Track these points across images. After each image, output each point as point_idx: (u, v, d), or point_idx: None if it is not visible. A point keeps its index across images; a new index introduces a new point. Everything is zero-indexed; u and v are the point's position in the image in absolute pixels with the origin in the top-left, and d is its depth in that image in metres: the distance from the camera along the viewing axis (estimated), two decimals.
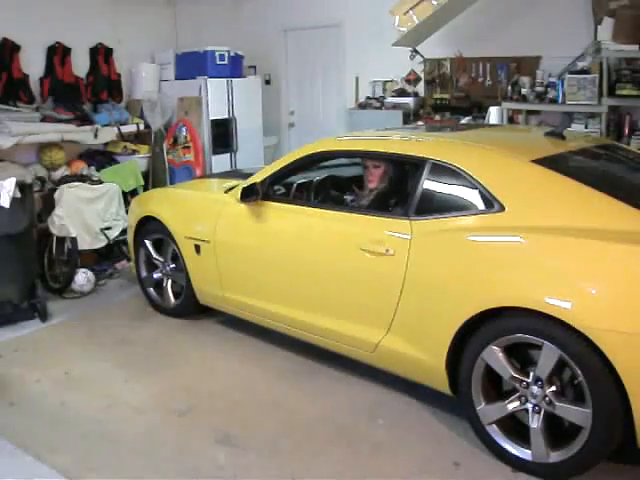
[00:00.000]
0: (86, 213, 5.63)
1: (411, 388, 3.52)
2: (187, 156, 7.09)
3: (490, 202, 3.02)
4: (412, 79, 7.19)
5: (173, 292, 4.80)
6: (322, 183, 4.46)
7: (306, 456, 3.08)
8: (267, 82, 8.41)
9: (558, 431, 2.81)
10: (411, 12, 6.18)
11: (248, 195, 3.98)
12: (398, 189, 3.76)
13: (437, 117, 6.80)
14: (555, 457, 2.76)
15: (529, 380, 2.82)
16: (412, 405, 3.49)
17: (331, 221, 3.66)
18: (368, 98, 7.45)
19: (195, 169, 7.05)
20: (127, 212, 5.61)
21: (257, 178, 4.06)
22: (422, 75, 7.15)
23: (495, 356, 2.88)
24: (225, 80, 7.31)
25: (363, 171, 4.03)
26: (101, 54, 6.89)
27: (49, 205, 5.53)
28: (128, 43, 7.13)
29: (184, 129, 7.13)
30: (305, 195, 4.39)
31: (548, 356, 2.71)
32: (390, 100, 7.21)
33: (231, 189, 4.29)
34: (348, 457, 3.06)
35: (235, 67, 7.51)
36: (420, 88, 7.21)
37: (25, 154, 6.08)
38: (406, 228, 3.22)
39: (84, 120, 6.36)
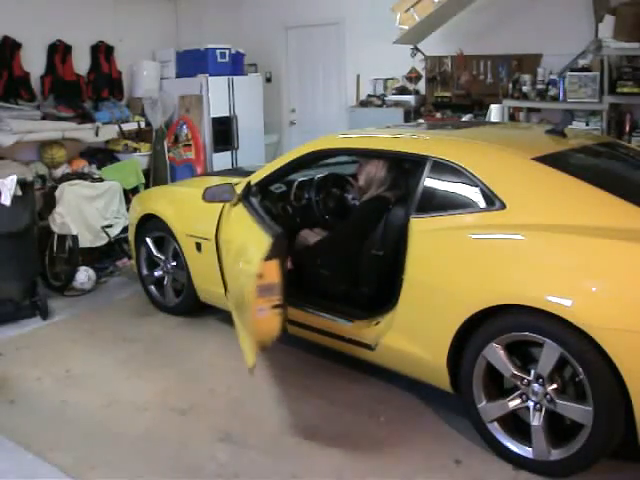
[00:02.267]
0: (87, 211, 5.62)
1: (412, 386, 3.53)
2: (188, 154, 7.10)
3: (491, 200, 3.02)
4: (413, 77, 7.19)
5: (174, 290, 4.80)
6: (323, 181, 4.46)
7: (307, 454, 3.08)
8: (268, 80, 8.41)
9: (559, 429, 2.81)
10: (412, 10, 6.18)
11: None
12: (399, 187, 3.76)
13: (438, 115, 6.81)
14: (556, 455, 2.76)
15: (530, 378, 2.82)
16: (413, 403, 3.49)
17: None
18: (369, 96, 7.46)
19: (196, 167, 7.05)
20: (128, 210, 5.61)
21: (254, 178, 4.07)
22: (423, 73, 7.15)
23: (496, 354, 2.88)
24: (226, 78, 7.31)
25: (359, 169, 4.02)
26: (102, 52, 6.88)
27: (50, 203, 5.53)
28: (129, 41, 7.13)
29: (185, 127, 7.13)
30: (306, 193, 4.39)
31: (549, 354, 2.71)
32: (391, 98, 7.22)
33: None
34: (349, 455, 3.06)
35: (236, 65, 7.51)
36: (421, 86, 7.21)
37: (26, 152, 6.09)
38: None
39: (85, 118, 6.36)
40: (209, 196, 4.06)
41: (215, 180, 5.15)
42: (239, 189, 4.08)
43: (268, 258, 2.89)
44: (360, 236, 3.67)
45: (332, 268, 3.87)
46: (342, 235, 3.84)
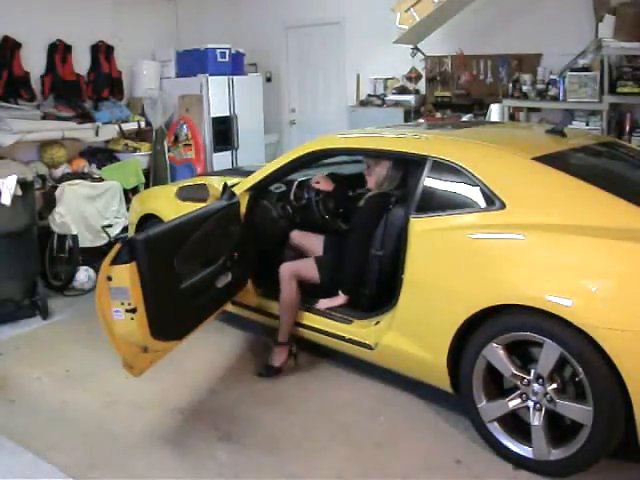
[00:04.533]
0: (87, 211, 5.63)
1: (412, 386, 3.52)
2: (188, 154, 7.10)
3: (491, 199, 3.01)
4: (413, 77, 7.19)
5: None
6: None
7: (307, 454, 3.08)
8: (268, 80, 8.41)
9: (559, 429, 2.81)
10: (412, 10, 6.18)
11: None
12: (399, 187, 3.75)
13: (438, 115, 6.80)
14: (556, 455, 2.76)
15: (530, 378, 2.82)
16: (413, 402, 3.49)
17: None
18: (369, 96, 7.46)
19: (196, 167, 7.05)
20: (128, 210, 5.61)
21: (254, 178, 4.08)
22: (423, 73, 7.15)
23: (496, 354, 2.88)
24: (226, 78, 7.31)
25: (365, 168, 4.01)
26: (102, 52, 6.88)
27: (50, 203, 5.53)
28: (129, 41, 7.12)
29: (185, 127, 7.13)
30: (306, 193, 4.38)
31: (549, 354, 2.71)
32: (391, 98, 7.22)
33: (232, 187, 4.28)
34: (349, 455, 3.06)
35: (236, 65, 7.51)
36: (421, 86, 7.21)
37: (26, 152, 6.09)
38: None
39: (85, 118, 6.36)
40: (183, 195, 4.10)
41: (215, 180, 5.16)
42: (239, 189, 4.10)
43: (114, 262, 2.94)
44: (367, 231, 3.65)
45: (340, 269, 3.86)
46: (353, 237, 3.81)
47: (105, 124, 6.52)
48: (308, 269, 3.87)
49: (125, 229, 5.66)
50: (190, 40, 7.56)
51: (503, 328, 2.85)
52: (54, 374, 3.95)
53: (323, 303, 3.79)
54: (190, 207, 4.53)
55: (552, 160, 3.12)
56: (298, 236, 4.22)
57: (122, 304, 2.98)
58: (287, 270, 3.85)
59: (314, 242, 4.10)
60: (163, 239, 3.23)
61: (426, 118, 6.72)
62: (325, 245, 4.03)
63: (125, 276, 2.93)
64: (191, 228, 3.45)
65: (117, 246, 2.99)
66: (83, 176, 5.89)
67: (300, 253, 4.18)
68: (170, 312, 3.22)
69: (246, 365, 4.00)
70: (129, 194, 6.16)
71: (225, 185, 4.09)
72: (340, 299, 3.74)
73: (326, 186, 4.17)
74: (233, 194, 4.02)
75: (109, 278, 2.96)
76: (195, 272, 3.46)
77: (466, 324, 2.94)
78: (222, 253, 3.74)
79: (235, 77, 7.41)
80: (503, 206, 2.97)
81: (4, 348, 4.34)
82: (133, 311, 2.97)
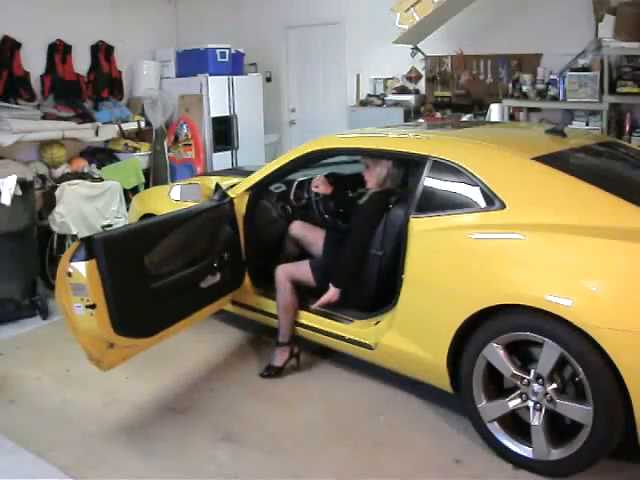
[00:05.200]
0: (87, 211, 5.62)
1: (412, 386, 3.52)
2: (188, 154, 7.10)
3: (491, 199, 3.01)
4: (413, 77, 7.20)
5: None
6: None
7: (307, 454, 3.08)
8: (268, 80, 8.40)
9: (559, 429, 2.81)
10: (412, 10, 6.18)
11: None
12: (399, 187, 3.75)
13: (438, 114, 6.81)
14: (556, 454, 2.76)
15: (530, 378, 2.82)
16: (413, 402, 3.49)
17: None
18: (369, 96, 7.46)
19: (196, 167, 7.05)
20: (128, 210, 5.61)
21: (254, 178, 4.07)
22: (423, 73, 7.16)
23: (496, 354, 2.88)
24: (226, 78, 7.31)
25: (364, 169, 4.01)
26: (102, 51, 6.88)
27: (50, 203, 5.53)
28: (129, 40, 7.12)
29: (185, 127, 7.14)
30: (306, 193, 4.38)
31: (549, 354, 2.71)
32: (391, 98, 7.22)
33: (231, 187, 4.28)
34: (349, 454, 3.06)
35: (236, 65, 7.51)
36: (421, 86, 7.22)
37: (26, 152, 6.08)
38: None
39: (85, 118, 6.36)
40: (176, 195, 4.10)
41: (215, 180, 5.16)
42: (238, 189, 4.10)
43: (73, 259, 2.98)
44: (368, 228, 3.64)
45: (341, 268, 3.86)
46: (353, 233, 3.79)
47: (105, 124, 6.53)
48: (302, 273, 3.85)
49: None
50: (190, 40, 7.57)
51: (503, 328, 2.85)
52: (54, 374, 3.94)
53: (316, 302, 3.79)
54: (189, 204, 4.54)
55: (552, 160, 3.12)
56: (299, 227, 4.19)
57: (82, 300, 3.01)
58: (282, 272, 3.84)
59: (315, 235, 4.07)
60: (130, 238, 3.24)
61: (426, 118, 6.73)
62: (325, 242, 4.01)
63: (83, 273, 2.97)
64: (166, 227, 3.45)
65: (75, 243, 3.02)
66: (83, 176, 5.89)
67: (300, 247, 4.17)
68: (136, 309, 3.21)
69: (246, 365, 4.00)
70: (129, 194, 6.16)
71: (217, 185, 4.08)
72: (331, 293, 3.68)
73: (325, 189, 4.17)
74: (225, 194, 4.01)
75: (69, 274, 2.99)
76: (173, 271, 3.45)
77: (466, 324, 2.94)
78: (209, 253, 3.72)
79: (235, 77, 7.41)
80: (503, 206, 2.97)
81: (4, 348, 4.34)
82: (92, 307, 3.00)
